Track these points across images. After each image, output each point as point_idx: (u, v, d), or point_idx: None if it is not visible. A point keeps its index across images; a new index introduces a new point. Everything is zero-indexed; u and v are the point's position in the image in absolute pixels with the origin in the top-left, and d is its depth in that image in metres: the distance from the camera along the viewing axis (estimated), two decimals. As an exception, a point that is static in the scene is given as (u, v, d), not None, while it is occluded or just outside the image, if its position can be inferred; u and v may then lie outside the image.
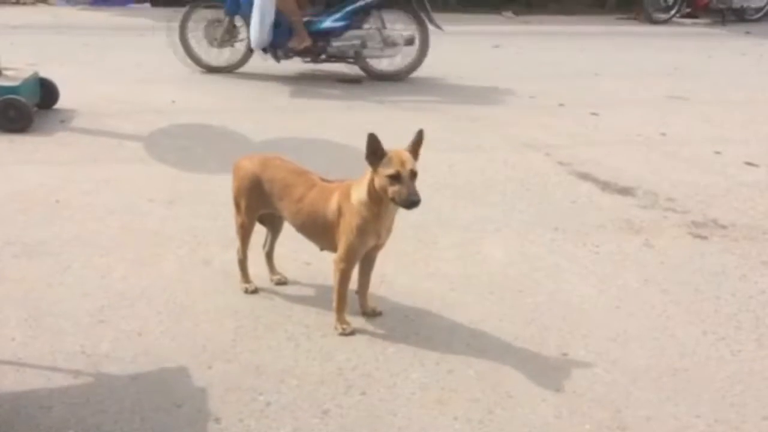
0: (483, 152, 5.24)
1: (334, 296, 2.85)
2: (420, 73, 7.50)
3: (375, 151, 2.61)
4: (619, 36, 12.05)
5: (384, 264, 3.43)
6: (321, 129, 5.60)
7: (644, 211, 4.27)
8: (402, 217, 4.01)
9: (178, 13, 7.27)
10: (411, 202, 2.57)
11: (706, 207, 4.35)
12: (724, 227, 4.07)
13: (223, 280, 3.20)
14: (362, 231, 2.72)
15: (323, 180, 2.92)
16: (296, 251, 3.38)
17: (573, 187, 4.62)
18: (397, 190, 2.58)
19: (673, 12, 13.57)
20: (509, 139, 5.62)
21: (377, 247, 2.85)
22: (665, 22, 13.50)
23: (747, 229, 4.05)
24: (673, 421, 2.41)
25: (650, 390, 2.57)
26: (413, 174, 2.60)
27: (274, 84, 7.20)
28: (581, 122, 6.28)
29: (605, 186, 4.65)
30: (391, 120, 5.87)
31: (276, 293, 3.13)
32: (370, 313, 2.98)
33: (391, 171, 2.57)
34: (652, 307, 3.17)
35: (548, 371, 2.66)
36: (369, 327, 2.89)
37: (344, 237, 2.75)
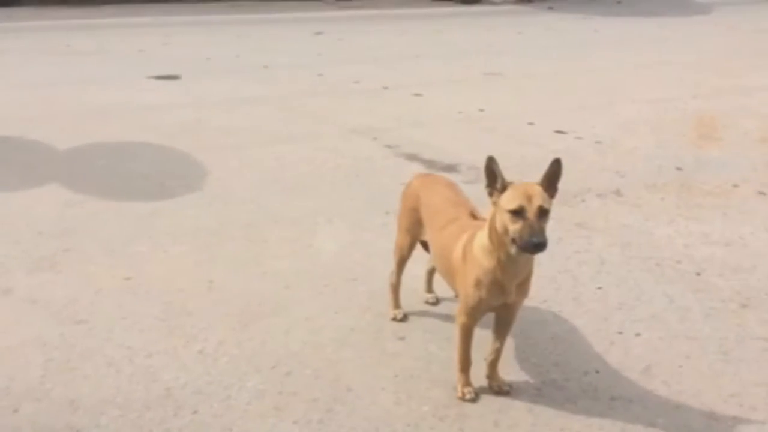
0: (310, 142, 5.16)
1: (455, 354, 2.46)
2: (235, 63, 7.27)
3: (494, 180, 2.23)
4: (436, 18, 12.47)
5: (212, 269, 3.28)
6: (136, 131, 5.22)
7: (469, 186, 4.38)
8: (230, 218, 3.91)
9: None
10: (532, 244, 2.12)
11: (523, 176, 4.53)
12: (540, 195, 4.31)
13: (28, 310, 2.87)
14: (481, 284, 2.29)
15: (473, 216, 2.56)
16: (115, 267, 3.11)
17: (401, 169, 4.67)
18: (519, 228, 2.14)
19: (483, -8, 14.24)
20: (336, 126, 5.59)
21: (508, 306, 2.38)
22: (477, 1, 14.15)
23: (560, 194, 4.24)
24: (504, 393, 2.49)
25: (475, 362, 2.60)
26: (542, 211, 2.16)
27: (78, 84, 6.64)
28: (405, 104, 6.40)
29: (431, 165, 4.76)
30: (215, 117, 5.62)
31: (92, 316, 2.85)
32: (496, 390, 2.48)
33: (513, 205, 2.15)
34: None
35: (386, 358, 2.66)
36: (198, 340, 2.72)
37: (463, 288, 2.38)
